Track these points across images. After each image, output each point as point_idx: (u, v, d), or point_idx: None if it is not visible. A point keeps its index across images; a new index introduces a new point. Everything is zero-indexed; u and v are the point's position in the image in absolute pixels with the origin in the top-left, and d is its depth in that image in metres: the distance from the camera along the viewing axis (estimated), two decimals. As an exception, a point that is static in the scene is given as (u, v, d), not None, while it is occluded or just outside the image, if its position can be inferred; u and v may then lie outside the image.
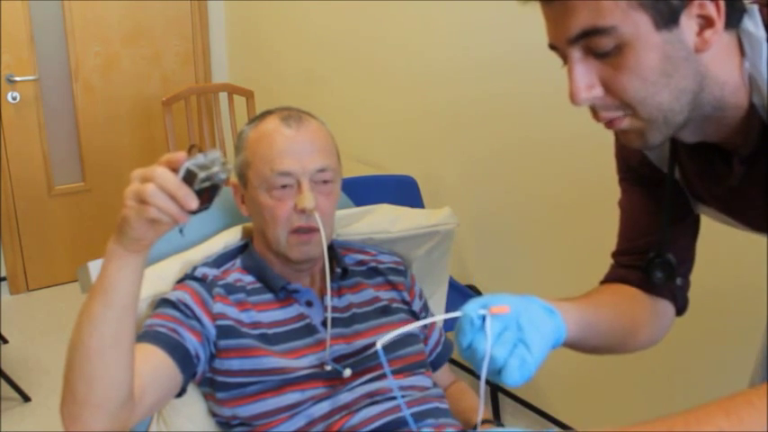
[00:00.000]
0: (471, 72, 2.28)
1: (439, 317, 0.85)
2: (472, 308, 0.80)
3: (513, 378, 0.78)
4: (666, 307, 1.01)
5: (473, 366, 0.81)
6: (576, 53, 0.73)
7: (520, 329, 0.79)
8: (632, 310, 0.99)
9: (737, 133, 0.79)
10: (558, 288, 2.11)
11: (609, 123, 0.76)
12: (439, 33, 2.37)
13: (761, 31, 0.75)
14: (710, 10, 0.71)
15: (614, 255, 1.06)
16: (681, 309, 1.03)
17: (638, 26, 0.69)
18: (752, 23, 0.75)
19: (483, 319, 0.79)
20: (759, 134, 0.77)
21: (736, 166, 0.81)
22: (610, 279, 1.05)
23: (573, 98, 0.73)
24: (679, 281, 0.99)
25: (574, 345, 0.90)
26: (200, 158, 0.81)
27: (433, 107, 2.45)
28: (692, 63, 0.72)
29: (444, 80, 2.38)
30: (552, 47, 0.76)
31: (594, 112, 0.76)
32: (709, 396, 0.74)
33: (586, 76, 0.73)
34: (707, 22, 0.71)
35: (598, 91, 0.73)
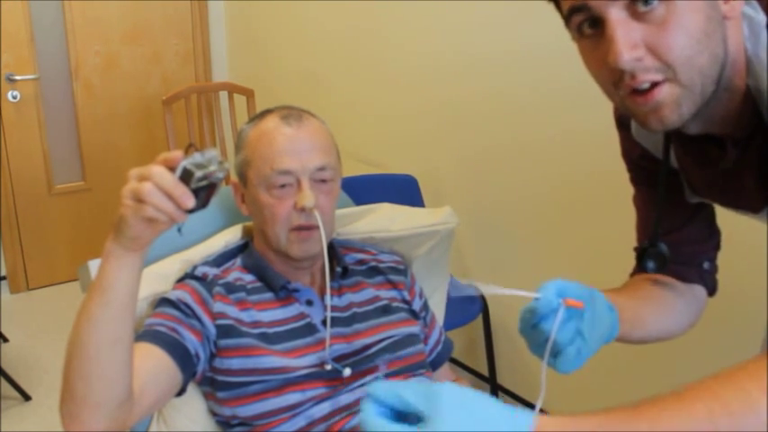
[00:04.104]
0: (471, 70, 2.27)
1: (513, 291, 0.82)
2: (551, 293, 0.82)
3: (567, 364, 0.83)
4: (699, 290, 1.05)
5: (528, 343, 0.85)
6: (617, 12, 0.71)
7: (582, 321, 0.83)
8: (672, 298, 1.02)
9: (732, 118, 0.80)
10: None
11: (647, 93, 0.74)
12: (439, 32, 2.37)
13: (761, 16, 0.76)
14: None
15: (636, 250, 1.08)
16: (711, 291, 1.06)
17: None
18: (750, 8, 0.76)
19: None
20: (751, 119, 0.78)
21: (730, 149, 0.82)
22: (639, 272, 1.07)
23: (617, 58, 0.71)
24: (707, 265, 1.03)
25: (621, 338, 0.93)
26: (197, 157, 0.81)
27: (434, 106, 2.44)
28: (722, 30, 0.73)
29: (445, 79, 2.38)
30: (576, 10, 0.74)
31: (632, 76, 0.73)
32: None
33: (630, 35, 0.71)
34: None
35: (641, 51, 0.72)
